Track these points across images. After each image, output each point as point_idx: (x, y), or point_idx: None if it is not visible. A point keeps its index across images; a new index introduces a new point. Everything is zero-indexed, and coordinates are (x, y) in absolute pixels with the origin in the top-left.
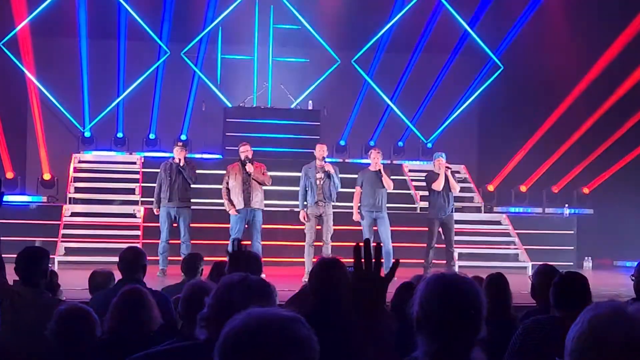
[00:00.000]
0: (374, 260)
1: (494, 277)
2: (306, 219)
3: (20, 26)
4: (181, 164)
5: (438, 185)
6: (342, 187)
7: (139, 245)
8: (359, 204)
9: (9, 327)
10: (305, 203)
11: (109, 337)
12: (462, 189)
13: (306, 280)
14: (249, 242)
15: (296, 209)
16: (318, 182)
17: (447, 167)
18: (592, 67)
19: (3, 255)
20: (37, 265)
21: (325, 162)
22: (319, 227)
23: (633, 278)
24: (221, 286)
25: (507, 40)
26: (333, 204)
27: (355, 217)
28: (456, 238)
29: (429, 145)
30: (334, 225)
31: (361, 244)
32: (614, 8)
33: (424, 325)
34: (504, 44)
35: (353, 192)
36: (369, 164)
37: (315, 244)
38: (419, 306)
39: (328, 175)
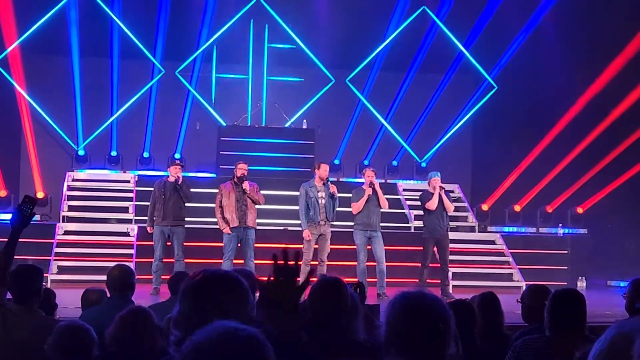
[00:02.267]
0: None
1: (486, 296)
2: (309, 238)
3: (14, 45)
4: (179, 182)
5: (432, 205)
6: (337, 207)
7: (128, 264)
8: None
9: (2, 346)
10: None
11: (107, 357)
12: (456, 209)
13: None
14: (242, 261)
15: (290, 228)
16: (321, 201)
17: (441, 186)
18: (587, 89)
19: None
20: (30, 283)
21: (329, 182)
22: (316, 245)
23: (625, 297)
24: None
25: (502, 61)
26: (333, 223)
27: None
28: (450, 257)
29: (423, 164)
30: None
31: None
32: (609, 31)
33: (394, 343)
34: (499, 65)
35: (348, 211)
36: (363, 183)
37: (311, 263)
38: (387, 325)
39: (331, 196)
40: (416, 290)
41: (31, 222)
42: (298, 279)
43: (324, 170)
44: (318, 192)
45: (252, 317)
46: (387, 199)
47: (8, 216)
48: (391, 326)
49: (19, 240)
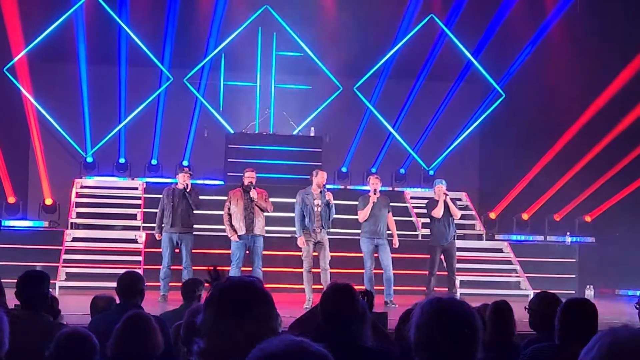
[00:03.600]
0: None
1: (498, 304)
2: (304, 245)
3: (25, 52)
4: (188, 189)
5: (437, 213)
6: (343, 214)
7: (137, 270)
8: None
9: (10, 351)
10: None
11: None
12: (464, 217)
13: (307, 307)
14: (250, 269)
15: (297, 235)
16: (317, 208)
17: (445, 193)
18: (595, 98)
19: (4, 280)
20: (37, 289)
21: (325, 189)
22: (315, 253)
23: (637, 307)
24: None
25: (511, 70)
26: (330, 230)
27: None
28: (458, 265)
29: (431, 172)
30: (332, 251)
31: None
32: (617, 41)
33: (422, 348)
34: (507, 74)
35: (353, 218)
36: (369, 191)
37: (314, 270)
38: (416, 330)
39: (327, 204)
40: (448, 297)
41: (40, 229)
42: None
43: (321, 177)
44: (314, 199)
45: (275, 328)
46: (393, 206)
47: (17, 222)
48: (420, 330)
49: (28, 246)
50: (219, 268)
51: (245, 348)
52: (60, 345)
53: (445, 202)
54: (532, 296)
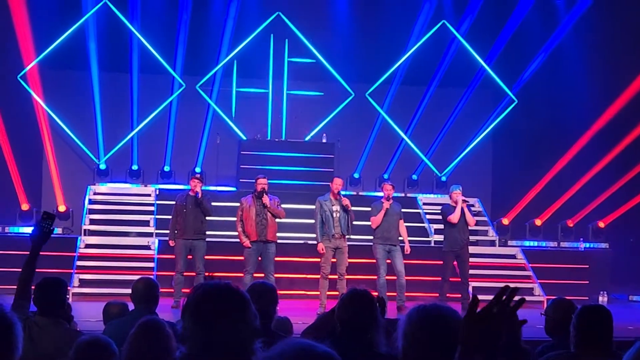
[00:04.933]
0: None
1: None
2: (323, 251)
3: (35, 62)
4: (199, 196)
5: (454, 218)
6: (355, 220)
7: (152, 277)
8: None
9: (27, 358)
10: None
11: None
12: (477, 223)
13: (320, 312)
14: (263, 275)
15: (310, 242)
16: (335, 214)
17: (463, 200)
18: (609, 104)
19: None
20: (54, 295)
21: (341, 195)
22: (334, 259)
23: None
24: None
25: (524, 76)
26: (348, 236)
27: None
28: (471, 272)
29: (443, 178)
30: (348, 258)
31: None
32: (631, 47)
33: (411, 356)
34: (520, 80)
35: (367, 225)
36: (382, 197)
37: (330, 277)
38: (404, 339)
39: (345, 210)
40: (431, 304)
41: (53, 236)
42: None
43: (335, 184)
44: (332, 205)
45: (256, 327)
46: (405, 212)
47: (31, 230)
48: (407, 339)
49: (41, 253)
50: (215, 274)
51: (226, 352)
52: (81, 352)
53: (462, 208)
54: (545, 302)
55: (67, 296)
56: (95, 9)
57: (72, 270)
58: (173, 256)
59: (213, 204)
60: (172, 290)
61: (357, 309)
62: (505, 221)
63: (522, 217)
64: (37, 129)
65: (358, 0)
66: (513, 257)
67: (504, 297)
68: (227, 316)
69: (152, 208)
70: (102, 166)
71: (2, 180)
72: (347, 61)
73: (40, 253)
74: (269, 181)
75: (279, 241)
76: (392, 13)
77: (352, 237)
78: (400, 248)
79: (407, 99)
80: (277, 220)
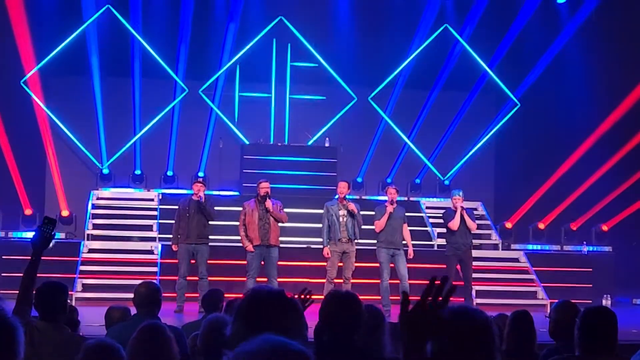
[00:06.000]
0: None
1: (518, 314)
2: (329, 255)
3: (36, 69)
4: (202, 200)
5: (454, 225)
6: (362, 224)
7: (154, 281)
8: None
9: None
10: (327, 240)
11: None
12: (480, 226)
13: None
14: (265, 279)
15: (313, 246)
16: (342, 219)
17: (461, 206)
18: (613, 109)
19: (18, 291)
20: (55, 300)
21: (347, 200)
22: (340, 264)
23: None
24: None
25: (527, 80)
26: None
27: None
28: (474, 275)
29: (446, 182)
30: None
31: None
32: (635, 52)
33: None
34: (523, 84)
35: (371, 229)
36: (386, 201)
37: (336, 281)
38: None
39: (351, 214)
40: (459, 304)
41: (56, 240)
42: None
43: (340, 187)
44: (339, 210)
45: (305, 336)
46: (409, 216)
47: (33, 234)
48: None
49: (44, 257)
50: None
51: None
52: (90, 355)
53: (461, 214)
54: (548, 306)
55: (70, 301)
56: (98, 14)
57: (75, 275)
58: (176, 261)
59: (216, 208)
60: (175, 294)
61: (339, 313)
62: (509, 225)
63: (525, 221)
64: (40, 134)
65: (360, 5)
66: (516, 260)
67: (431, 295)
68: (279, 323)
69: (155, 213)
70: (105, 171)
71: (5, 185)
72: (350, 65)
73: (43, 258)
74: (272, 185)
75: (281, 245)
76: (395, 17)
77: (356, 241)
78: (403, 252)
79: (410, 103)
80: (280, 224)
